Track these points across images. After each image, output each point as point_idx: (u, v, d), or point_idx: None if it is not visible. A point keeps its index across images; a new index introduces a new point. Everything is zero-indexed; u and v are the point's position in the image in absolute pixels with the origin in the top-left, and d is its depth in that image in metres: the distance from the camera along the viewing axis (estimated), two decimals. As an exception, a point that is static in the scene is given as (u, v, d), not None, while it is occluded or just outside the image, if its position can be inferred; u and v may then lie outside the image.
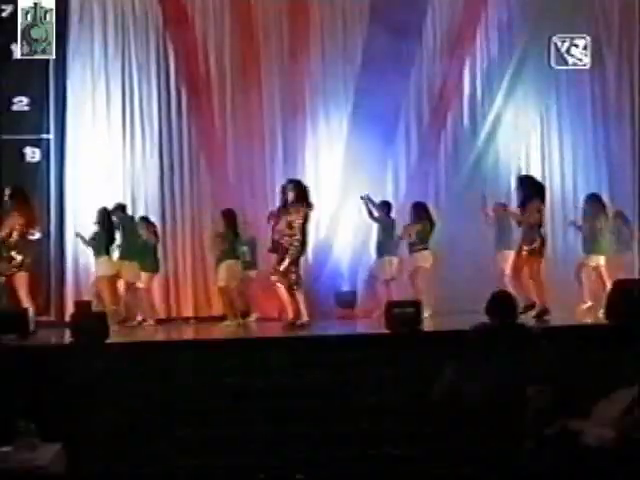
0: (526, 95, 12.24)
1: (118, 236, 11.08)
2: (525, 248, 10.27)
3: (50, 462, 5.65)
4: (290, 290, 9.98)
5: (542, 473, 5.43)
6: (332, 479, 6.98)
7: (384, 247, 11.19)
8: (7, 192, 10.31)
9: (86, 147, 11.85)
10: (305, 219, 9.97)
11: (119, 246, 11.10)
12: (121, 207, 11.36)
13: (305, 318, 9.96)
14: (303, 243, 10.03)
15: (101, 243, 10.98)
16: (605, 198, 11.80)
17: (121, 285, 11.17)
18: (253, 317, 11.28)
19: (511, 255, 10.73)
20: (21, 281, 10.00)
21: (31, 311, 9.71)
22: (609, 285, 10.61)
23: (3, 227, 10.00)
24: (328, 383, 7.84)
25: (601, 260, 11.05)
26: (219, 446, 7.20)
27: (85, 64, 11.88)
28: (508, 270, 10.78)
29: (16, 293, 10.01)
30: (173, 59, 12.00)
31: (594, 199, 11.24)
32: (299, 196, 9.99)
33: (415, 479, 6.96)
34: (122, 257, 11.08)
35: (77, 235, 11.31)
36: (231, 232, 10.85)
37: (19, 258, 9.95)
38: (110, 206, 11.28)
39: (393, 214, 11.51)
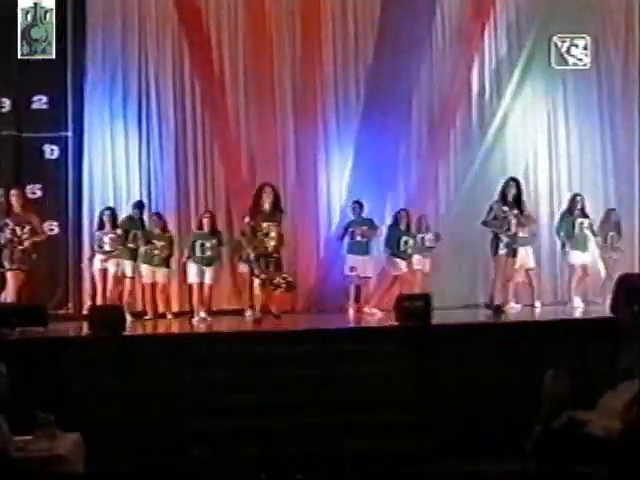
0: (533, 94, 12.31)
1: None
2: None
3: (69, 451, 5.85)
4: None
5: (548, 463, 5.57)
6: (334, 475, 7.04)
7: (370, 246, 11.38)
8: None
9: (103, 144, 12.04)
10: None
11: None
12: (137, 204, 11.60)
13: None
14: None
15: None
16: (611, 197, 11.95)
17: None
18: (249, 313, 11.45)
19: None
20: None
21: None
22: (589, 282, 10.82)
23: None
24: (335, 376, 7.96)
25: (584, 258, 11.20)
26: (226, 438, 7.34)
27: (103, 62, 12.02)
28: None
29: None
30: (188, 58, 12.13)
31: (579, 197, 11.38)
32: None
33: (422, 474, 7.08)
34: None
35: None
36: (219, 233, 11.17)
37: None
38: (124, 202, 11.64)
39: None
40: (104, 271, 11.16)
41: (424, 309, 8.82)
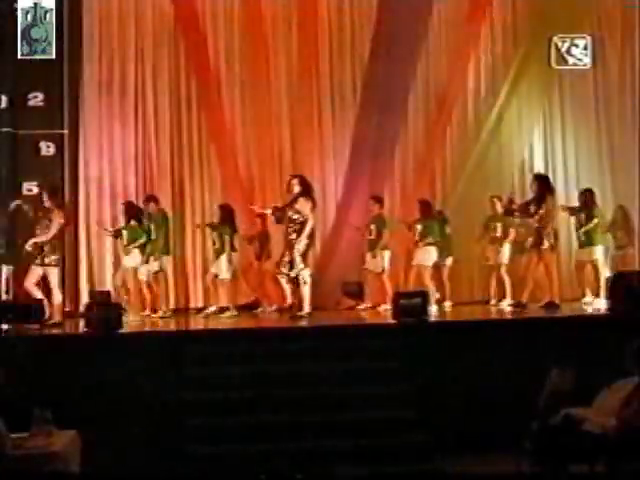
0: (530, 92, 12.33)
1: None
2: (547, 244, 10.35)
3: (65, 448, 5.83)
4: (294, 282, 10.01)
5: (546, 460, 5.57)
6: (334, 474, 7.00)
7: (381, 242, 11.28)
8: (45, 194, 10.23)
9: (99, 141, 12.06)
10: (309, 212, 9.78)
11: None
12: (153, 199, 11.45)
13: (306, 310, 9.80)
14: (310, 236, 9.84)
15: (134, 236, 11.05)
16: (608, 194, 11.93)
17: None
18: (260, 308, 11.48)
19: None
20: (54, 276, 10.14)
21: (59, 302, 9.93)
22: (602, 278, 10.77)
23: (51, 227, 10.09)
24: (334, 373, 7.93)
25: (596, 253, 11.14)
26: (226, 437, 7.30)
27: (99, 60, 12.09)
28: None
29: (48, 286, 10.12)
30: (184, 57, 12.17)
31: (587, 193, 11.25)
32: (304, 190, 9.87)
33: (421, 473, 7.05)
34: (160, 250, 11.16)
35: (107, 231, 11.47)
36: (227, 226, 10.95)
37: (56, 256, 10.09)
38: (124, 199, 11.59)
39: (398, 209, 11.69)
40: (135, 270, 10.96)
41: (421, 306, 8.79)
